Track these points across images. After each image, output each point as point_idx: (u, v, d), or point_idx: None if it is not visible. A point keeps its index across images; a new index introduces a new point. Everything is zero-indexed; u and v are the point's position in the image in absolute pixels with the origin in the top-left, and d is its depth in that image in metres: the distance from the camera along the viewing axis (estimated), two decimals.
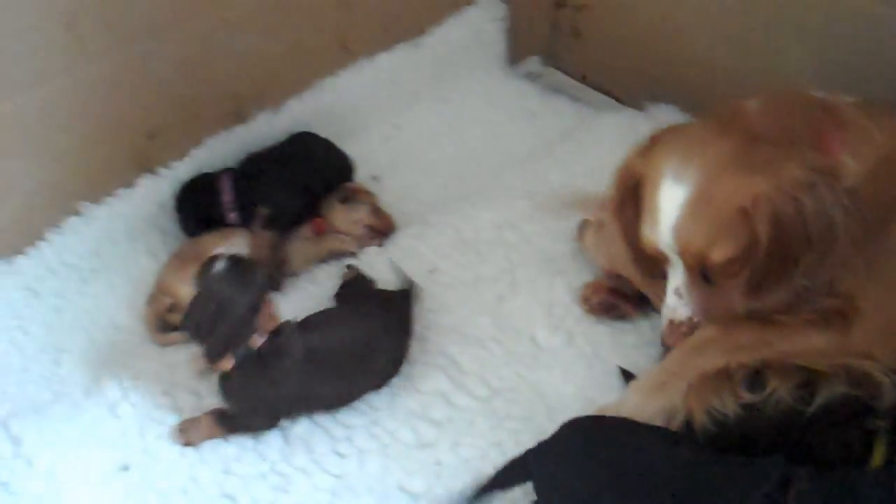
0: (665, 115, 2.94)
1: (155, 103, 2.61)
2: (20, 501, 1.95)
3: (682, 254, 1.90)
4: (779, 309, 1.90)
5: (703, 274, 1.93)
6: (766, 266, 1.84)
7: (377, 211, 2.65)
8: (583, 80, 3.33)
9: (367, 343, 2.14)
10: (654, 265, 2.06)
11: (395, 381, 2.20)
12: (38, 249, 2.51)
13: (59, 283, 2.54)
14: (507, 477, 1.89)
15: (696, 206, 1.84)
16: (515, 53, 3.39)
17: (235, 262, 2.12)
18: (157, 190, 2.64)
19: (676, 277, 1.97)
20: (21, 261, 2.49)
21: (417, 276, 2.40)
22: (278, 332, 2.07)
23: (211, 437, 2.11)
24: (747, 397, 1.87)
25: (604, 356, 2.23)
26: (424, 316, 2.33)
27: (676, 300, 1.99)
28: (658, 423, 1.93)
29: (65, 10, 2.32)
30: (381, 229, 2.63)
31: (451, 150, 3.04)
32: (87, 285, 2.57)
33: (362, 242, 2.60)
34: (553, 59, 3.42)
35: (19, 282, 2.49)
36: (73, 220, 2.55)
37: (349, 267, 2.49)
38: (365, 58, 3.01)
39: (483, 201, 2.65)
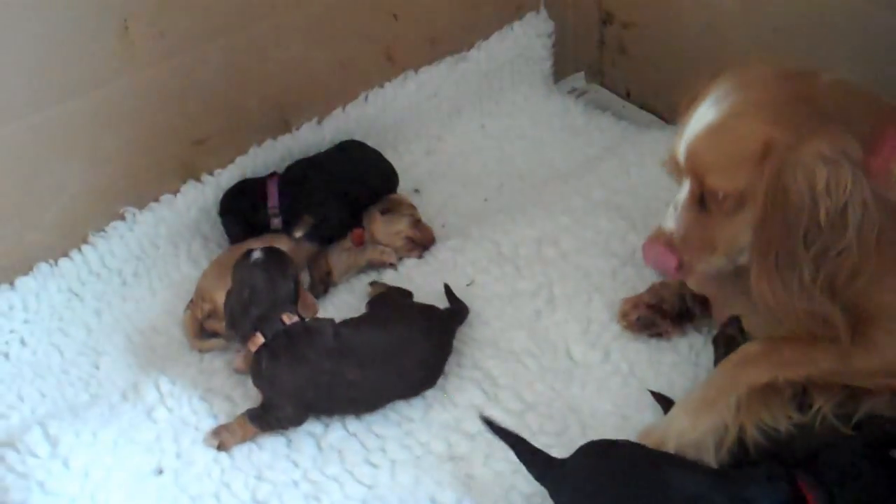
0: None
1: (202, 111, 2.64)
2: (55, 501, 1.97)
3: (686, 168, 1.95)
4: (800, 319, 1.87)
5: (701, 197, 1.95)
6: (769, 231, 1.83)
7: (417, 223, 2.65)
8: (627, 97, 3.33)
9: (399, 345, 2.16)
10: None
11: (429, 393, 2.21)
12: (81, 252, 2.54)
13: (101, 286, 2.57)
14: (522, 451, 1.92)
15: (715, 132, 1.89)
16: (561, 70, 3.38)
17: (270, 252, 2.21)
18: (200, 196, 2.67)
19: (682, 192, 1.99)
20: (64, 263, 2.53)
21: (455, 289, 2.42)
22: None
23: (244, 439, 2.13)
24: (796, 417, 1.88)
25: (640, 374, 2.21)
26: (460, 329, 2.34)
27: (672, 211, 2.01)
28: (709, 441, 1.92)
29: (118, 17, 2.37)
30: (421, 242, 2.63)
31: (493, 165, 3.04)
32: (128, 289, 2.60)
33: (402, 254, 2.61)
34: (598, 75, 3.41)
35: (62, 284, 2.52)
36: (117, 224, 2.59)
37: (373, 284, 2.52)
38: (410, 70, 3.02)
39: (523, 216, 2.64)
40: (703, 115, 1.91)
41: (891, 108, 1.94)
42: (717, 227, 1.95)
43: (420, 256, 2.61)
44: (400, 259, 2.61)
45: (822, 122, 1.80)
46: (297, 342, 2.11)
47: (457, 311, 2.35)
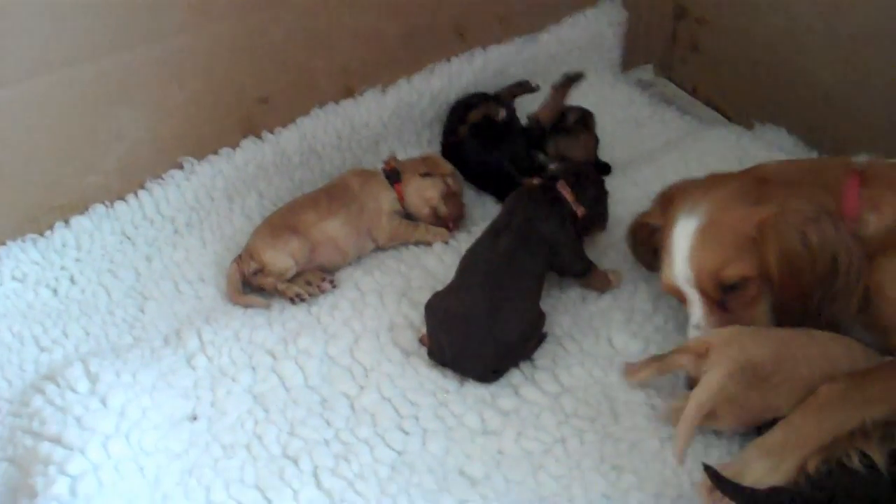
0: (773, 136, 2.93)
1: (269, 69, 2.66)
2: (90, 438, 1.98)
3: (698, 276, 2.05)
4: None
5: (719, 303, 2.07)
6: (783, 298, 2.00)
7: (450, 196, 2.61)
8: (693, 93, 3.31)
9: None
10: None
11: None
12: (137, 198, 2.57)
13: (153, 232, 2.59)
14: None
15: (708, 232, 2.04)
16: (629, 60, 3.37)
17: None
18: (259, 153, 2.68)
19: (696, 313, 2.10)
20: (120, 206, 2.56)
21: None
22: None
23: None
24: (878, 456, 1.79)
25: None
26: None
27: (695, 330, 2.10)
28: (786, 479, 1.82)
29: None
30: (445, 217, 2.60)
31: None
32: (179, 238, 2.62)
33: (428, 222, 2.60)
34: (666, 69, 3.40)
35: (116, 226, 2.55)
36: (174, 172, 2.61)
37: None
38: (479, 48, 3.01)
39: None
40: (685, 228, 2.07)
41: (836, 163, 2.16)
42: (743, 319, 2.05)
43: (450, 230, 2.60)
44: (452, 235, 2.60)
45: (787, 188, 2.02)
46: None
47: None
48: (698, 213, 2.06)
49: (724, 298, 2.06)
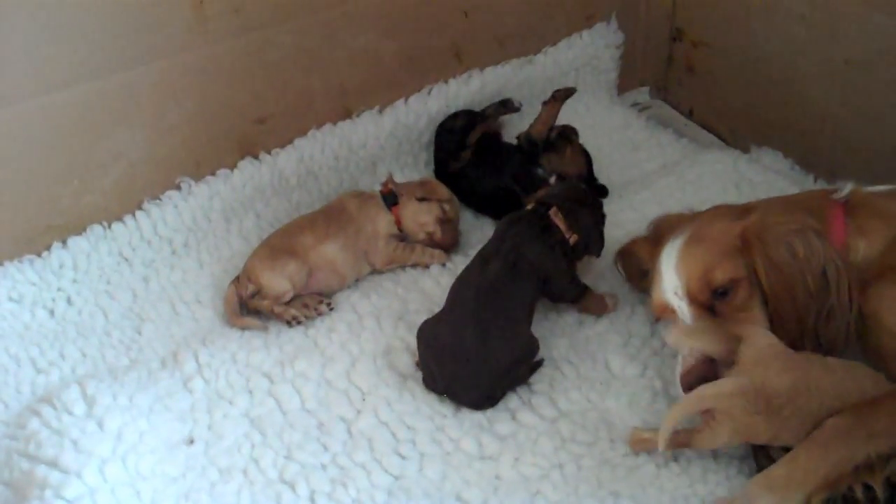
0: (769, 159, 2.93)
1: (267, 90, 2.66)
2: (86, 461, 1.98)
3: (688, 282, 2.04)
4: None
5: (710, 310, 2.05)
6: (779, 316, 1.98)
7: (446, 222, 2.61)
8: (690, 115, 3.32)
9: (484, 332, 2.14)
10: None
11: None
12: (134, 218, 2.58)
13: (150, 253, 2.60)
14: None
15: (694, 242, 2.07)
16: (625, 82, 3.38)
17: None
18: (256, 174, 2.68)
19: (686, 322, 2.08)
20: (118, 227, 2.56)
21: None
22: None
23: None
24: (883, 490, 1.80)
25: (672, 393, 2.17)
26: None
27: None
28: None
29: None
30: (440, 243, 2.61)
31: None
32: (177, 259, 2.62)
33: (427, 245, 2.60)
34: (662, 91, 3.41)
35: (113, 247, 2.55)
36: (172, 193, 2.62)
37: None
38: (476, 69, 3.02)
39: None
40: (672, 247, 2.09)
41: (819, 194, 2.19)
42: (734, 324, 2.02)
43: (446, 253, 2.61)
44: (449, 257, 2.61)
45: (776, 209, 2.06)
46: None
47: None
48: (684, 232, 2.10)
49: (713, 304, 2.04)
